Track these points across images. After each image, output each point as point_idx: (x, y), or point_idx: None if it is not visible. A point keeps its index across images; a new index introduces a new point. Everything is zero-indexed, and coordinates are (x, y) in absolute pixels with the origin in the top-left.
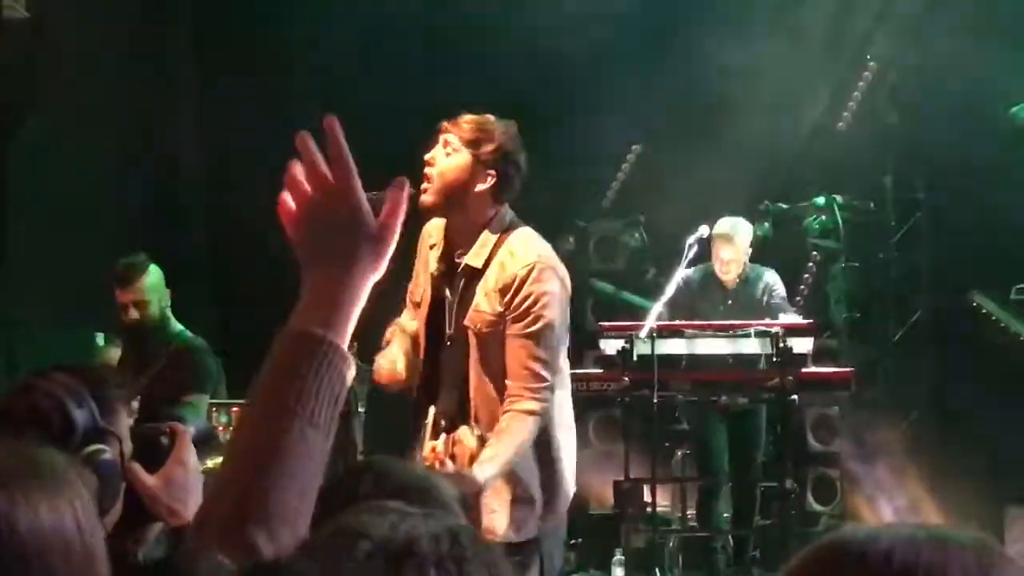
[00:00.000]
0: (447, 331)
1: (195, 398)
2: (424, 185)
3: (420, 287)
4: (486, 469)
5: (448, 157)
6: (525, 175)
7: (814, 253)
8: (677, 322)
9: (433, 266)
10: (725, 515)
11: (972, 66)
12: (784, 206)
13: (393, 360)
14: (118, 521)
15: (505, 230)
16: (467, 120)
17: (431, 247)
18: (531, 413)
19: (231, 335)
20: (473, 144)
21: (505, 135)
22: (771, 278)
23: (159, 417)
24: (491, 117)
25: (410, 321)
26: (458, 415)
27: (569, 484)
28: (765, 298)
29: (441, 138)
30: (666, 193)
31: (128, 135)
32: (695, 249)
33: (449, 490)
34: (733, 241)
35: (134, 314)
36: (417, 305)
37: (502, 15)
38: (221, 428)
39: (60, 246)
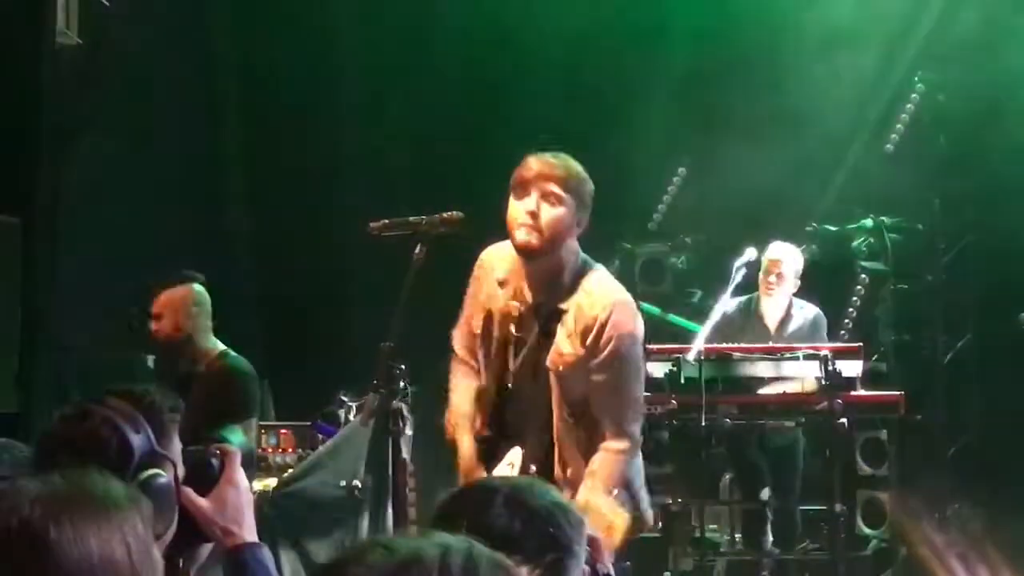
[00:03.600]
0: (510, 371)
1: (240, 425)
2: (529, 230)
3: (480, 317)
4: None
5: (553, 208)
6: None
7: (862, 276)
8: (725, 345)
9: (501, 303)
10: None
11: (1021, 88)
12: (832, 228)
13: (468, 417)
14: (171, 542)
15: (580, 269)
16: (559, 167)
17: (500, 284)
18: (621, 452)
19: (276, 357)
20: (575, 193)
21: (587, 175)
22: (811, 314)
23: (204, 439)
24: (570, 159)
25: (468, 357)
26: (546, 459)
27: (648, 506)
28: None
29: (534, 189)
30: (713, 215)
31: (179, 160)
32: (743, 272)
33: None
34: (781, 266)
35: (153, 325)
36: (478, 336)
37: (546, 39)
38: (270, 450)
39: (111, 271)
